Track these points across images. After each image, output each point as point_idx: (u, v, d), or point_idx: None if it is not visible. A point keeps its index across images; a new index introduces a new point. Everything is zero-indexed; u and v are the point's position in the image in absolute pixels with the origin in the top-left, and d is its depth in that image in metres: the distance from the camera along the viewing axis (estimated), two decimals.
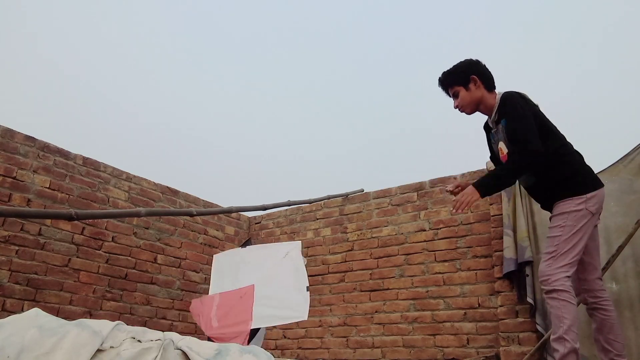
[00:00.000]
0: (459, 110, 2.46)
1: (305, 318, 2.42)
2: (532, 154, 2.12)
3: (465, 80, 2.39)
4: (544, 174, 2.22)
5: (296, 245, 2.70)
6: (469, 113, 2.46)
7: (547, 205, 2.29)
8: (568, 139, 2.31)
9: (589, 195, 2.12)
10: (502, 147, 2.37)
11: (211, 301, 2.62)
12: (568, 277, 2.03)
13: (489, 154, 2.62)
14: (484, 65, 2.43)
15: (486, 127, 2.55)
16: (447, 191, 2.52)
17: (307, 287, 2.53)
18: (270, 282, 2.59)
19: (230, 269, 2.76)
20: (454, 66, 2.45)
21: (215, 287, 2.71)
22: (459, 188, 2.45)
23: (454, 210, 2.23)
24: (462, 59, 2.46)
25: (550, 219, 2.25)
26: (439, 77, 2.49)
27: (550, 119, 2.32)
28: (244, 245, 2.91)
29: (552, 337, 2.02)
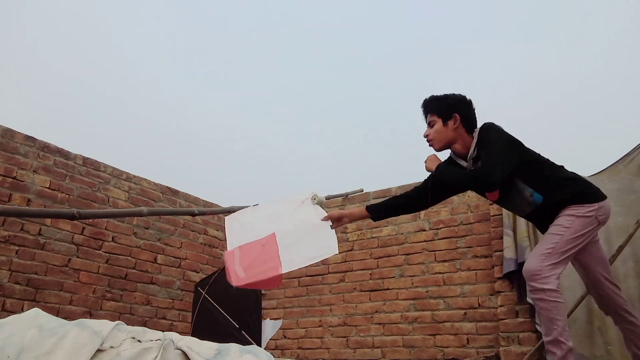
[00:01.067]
0: (427, 141, 2.32)
1: (337, 252, 2.39)
2: (490, 182, 2.08)
3: (446, 114, 2.25)
4: (549, 196, 2.15)
5: (309, 195, 2.60)
6: (437, 150, 2.32)
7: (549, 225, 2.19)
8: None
9: (600, 203, 2.09)
10: None
11: (231, 255, 2.54)
12: (559, 274, 2.01)
13: (424, 180, 2.47)
14: (473, 108, 2.31)
15: (450, 162, 2.39)
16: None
17: (330, 225, 2.47)
18: (292, 229, 2.53)
19: (244, 226, 2.67)
20: (443, 95, 2.32)
21: (232, 243, 2.62)
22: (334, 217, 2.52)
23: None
24: (456, 93, 2.32)
25: (553, 219, 2.17)
26: (425, 99, 2.34)
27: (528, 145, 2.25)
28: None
29: (545, 339, 1.98)
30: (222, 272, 3.87)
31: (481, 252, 3.91)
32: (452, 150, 2.33)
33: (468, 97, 2.32)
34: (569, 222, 2.07)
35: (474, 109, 2.32)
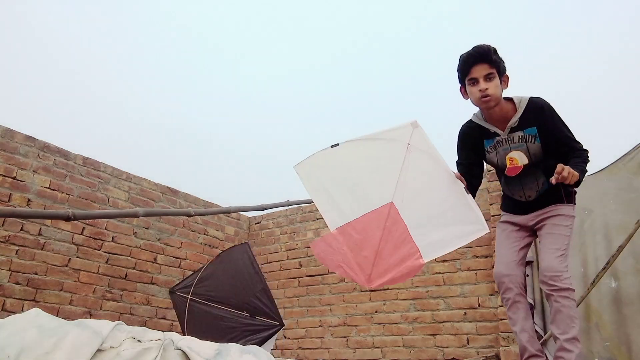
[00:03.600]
0: (485, 96, 1.97)
1: (487, 230, 1.89)
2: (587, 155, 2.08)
3: (502, 71, 2.02)
4: (553, 186, 2.04)
5: (410, 128, 1.91)
6: (492, 107, 2.00)
7: (533, 209, 2.15)
8: None
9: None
10: (516, 157, 2.06)
11: (335, 241, 1.88)
12: None
13: (462, 159, 2.21)
14: None
15: (471, 132, 2.16)
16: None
17: (464, 187, 1.90)
18: (414, 192, 1.88)
19: (336, 187, 1.97)
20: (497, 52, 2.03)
21: (332, 218, 1.93)
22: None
23: (558, 176, 1.82)
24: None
25: (551, 214, 2.13)
26: (484, 46, 1.98)
27: None
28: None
29: (563, 337, 1.96)
30: (206, 268, 3.78)
31: (481, 252, 3.91)
32: (488, 112, 2.05)
33: None
34: (569, 222, 2.12)
35: None
